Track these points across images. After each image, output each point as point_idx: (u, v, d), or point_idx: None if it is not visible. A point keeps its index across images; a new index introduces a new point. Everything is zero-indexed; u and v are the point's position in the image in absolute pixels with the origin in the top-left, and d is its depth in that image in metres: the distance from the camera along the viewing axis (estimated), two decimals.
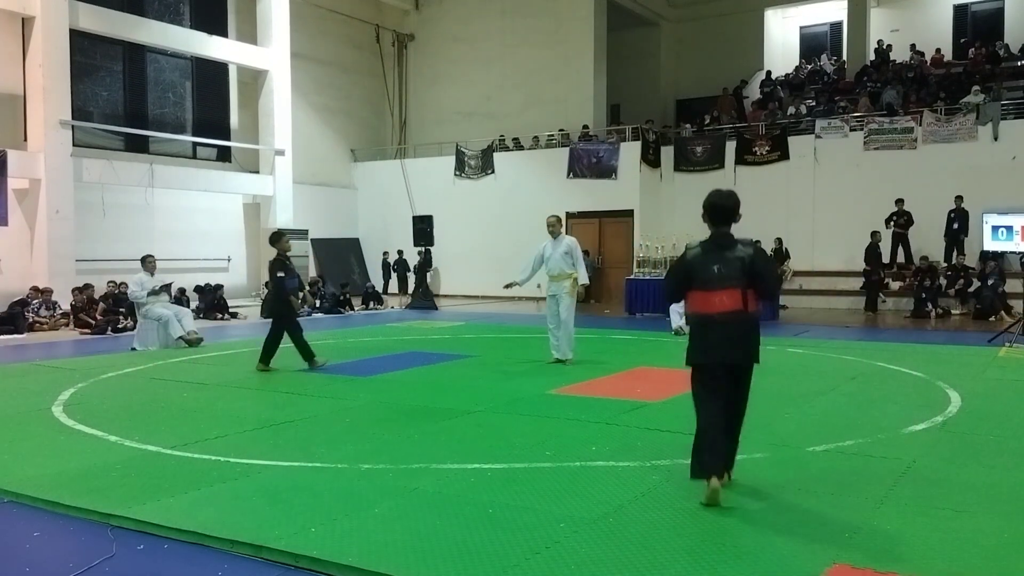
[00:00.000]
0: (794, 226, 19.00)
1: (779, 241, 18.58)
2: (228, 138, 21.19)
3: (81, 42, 17.72)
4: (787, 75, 24.09)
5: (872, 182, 18.11)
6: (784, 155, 19.32)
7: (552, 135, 22.30)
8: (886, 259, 17.18)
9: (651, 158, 20.57)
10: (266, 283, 18.61)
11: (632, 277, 16.97)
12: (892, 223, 17.20)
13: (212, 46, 19.91)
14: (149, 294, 11.31)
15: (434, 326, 14.61)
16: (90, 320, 14.48)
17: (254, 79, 21.40)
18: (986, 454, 5.26)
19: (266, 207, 21.15)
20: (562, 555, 3.55)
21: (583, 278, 9.35)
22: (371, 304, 19.28)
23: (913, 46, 22.25)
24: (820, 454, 5.26)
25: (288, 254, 9.39)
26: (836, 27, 25.46)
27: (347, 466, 5.02)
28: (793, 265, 18.70)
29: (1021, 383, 8.02)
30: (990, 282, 15.10)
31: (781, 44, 26.15)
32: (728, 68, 23.97)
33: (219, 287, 17.37)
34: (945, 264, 16.75)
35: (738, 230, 4.59)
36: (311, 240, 21.81)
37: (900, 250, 17.58)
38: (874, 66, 22.13)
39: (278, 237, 9.46)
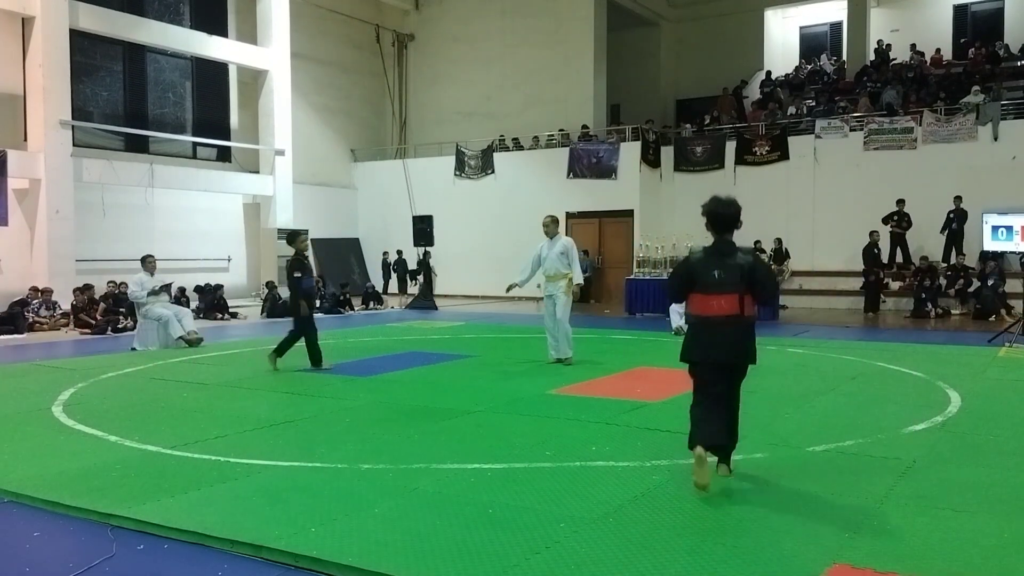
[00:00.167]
0: (794, 226, 19.00)
1: (779, 241, 18.59)
2: (228, 138, 21.19)
3: (81, 42, 17.71)
4: (787, 75, 24.08)
5: (872, 182, 18.11)
6: (784, 155, 19.32)
7: (552, 135, 22.30)
8: (885, 259, 17.16)
9: (651, 158, 20.57)
10: (267, 283, 18.70)
11: (632, 277, 16.97)
12: (892, 222, 17.19)
13: (212, 46, 19.91)
14: (149, 294, 11.31)
15: (434, 326, 14.62)
16: (90, 320, 14.49)
17: (254, 79, 21.41)
18: (986, 454, 5.26)
19: (266, 207, 21.16)
20: (562, 555, 3.55)
21: (577, 277, 9.35)
22: (371, 304, 19.28)
23: (913, 46, 22.25)
24: (820, 454, 5.26)
25: (306, 254, 9.41)
26: (836, 27, 25.45)
27: (347, 466, 5.02)
28: (793, 265, 18.70)
29: (1021, 383, 8.02)
30: (990, 282, 15.10)
31: (781, 44, 26.14)
32: (728, 68, 23.96)
33: (219, 287, 17.38)
34: (945, 264, 16.75)
35: (740, 231, 4.70)
36: (311, 240, 21.77)
37: (898, 251, 17.57)
38: (874, 66, 22.13)
39: (295, 236, 9.47)
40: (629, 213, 20.28)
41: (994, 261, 15.53)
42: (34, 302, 14.90)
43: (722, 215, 4.58)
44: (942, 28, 23.79)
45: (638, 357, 10.16)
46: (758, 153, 19.66)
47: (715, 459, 4.65)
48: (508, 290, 9.46)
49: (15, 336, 13.55)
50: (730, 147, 20.01)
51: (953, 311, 15.81)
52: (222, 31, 20.69)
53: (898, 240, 17.46)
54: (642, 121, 21.45)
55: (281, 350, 9.16)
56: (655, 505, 4.24)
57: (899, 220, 17.24)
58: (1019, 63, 20.47)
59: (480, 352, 10.62)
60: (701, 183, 20.22)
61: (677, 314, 12.29)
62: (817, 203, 18.95)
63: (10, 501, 4.50)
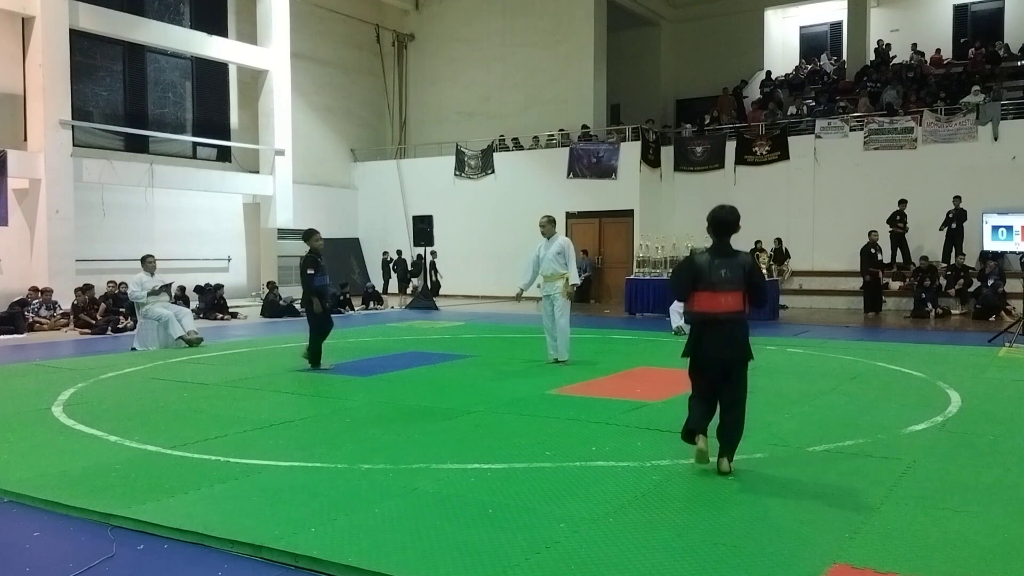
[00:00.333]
0: (794, 226, 19.00)
1: (779, 241, 18.60)
2: (228, 138, 21.19)
3: (81, 42, 17.72)
4: (787, 75, 24.09)
5: (872, 182, 18.11)
6: (784, 155, 19.32)
7: (552, 135, 22.30)
8: (885, 260, 17.15)
9: (651, 158, 20.57)
10: (268, 283, 18.70)
11: (632, 277, 16.96)
12: (897, 221, 17.16)
13: (212, 46, 19.92)
14: (149, 294, 11.32)
15: (434, 326, 14.62)
16: (91, 320, 14.49)
17: (254, 79, 21.41)
18: (986, 454, 5.26)
19: (266, 207, 21.16)
20: (562, 555, 3.55)
21: (573, 277, 9.35)
22: (371, 304, 19.28)
23: (914, 46, 22.26)
24: (820, 454, 5.26)
25: (320, 252, 9.50)
26: (836, 27, 25.46)
27: (347, 466, 5.02)
28: (793, 265, 18.71)
29: (1021, 383, 8.01)
30: (990, 282, 15.10)
31: (781, 44, 26.15)
32: (728, 68, 23.97)
33: (219, 287, 17.37)
34: (945, 264, 16.75)
35: (740, 231, 4.89)
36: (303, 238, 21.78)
37: (898, 252, 17.56)
38: (874, 66, 22.14)
39: (309, 235, 9.57)
40: (629, 213, 20.28)
41: (994, 261, 15.54)
42: (34, 302, 14.90)
43: (725, 220, 4.83)
44: (942, 28, 23.80)
45: (638, 357, 10.16)
46: (758, 153, 19.66)
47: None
48: (518, 298, 9.46)
49: (15, 336, 13.55)
50: (730, 147, 20.02)
51: (953, 311, 15.81)
52: (222, 31, 20.69)
53: (898, 240, 17.46)
54: (642, 121, 21.46)
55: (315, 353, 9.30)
56: (655, 505, 4.24)
57: (903, 220, 17.22)
58: (1019, 63, 20.47)
59: (480, 352, 10.62)
60: (701, 183, 20.25)
61: (677, 314, 12.29)
62: (817, 203, 18.95)
63: (10, 501, 4.50)
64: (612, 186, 20.49)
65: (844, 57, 23.73)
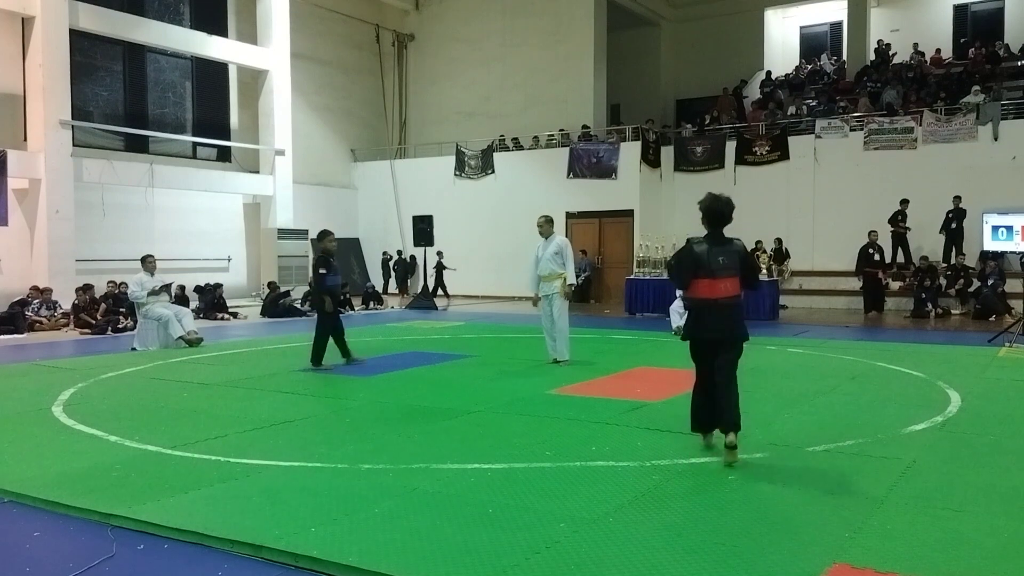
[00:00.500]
0: (794, 226, 19.00)
1: (779, 241, 18.59)
2: (228, 138, 21.20)
3: (81, 42, 17.72)
4: (787, 75, 24.09)
5: (872, 182, 18.11)
6: (784, 155, 19.32)
7: (552, 135, 22.30)
8: (887, 260, 17.14)
9: (651, 158, 20.58)
10: (268, 283, 18.71)
11: (632, 277, 16.97)
12: (899, 221, 17.14)
13: (212, 46, 19.91)
14: (149, 294, 11.32)
15: (434, 326, 14.62)
16: (91, 320, 14.49)
17: (254, 79, 21.41)
18: (986, 454, 5.26)
19: (266, 207, 21.16)
20: (562, 555, 3.55)
21: (571, 277, 9.34)
22: (371, 304, 19.28)
23: (916, 45, 22.26)
24: (820, 454, 5.26)
25: (333, 252, 9.61)
26: (836, 27, 25.47)
27: (347, 466, 5.02)
28: (793, 265, 18.71)
29: (1021, 383, 8.01)
30: (990, 282, 15.10)
31: (781, 44, 26.15)
32: (728, 68, 23.97)
33: (218, 286, 17.33)
34: (945, 264, 16.75)
35: (739, 231, 4.96)
36: (311, 240, 21.78)
37: (899, 251, 17.56)
38: (874, 66, 22.14)
39: (323, 236, 9.69)
40: (629, 213, 20.28)
41: (994, 261, 15.53)
42: (34, 302, 14.90)
43: (719, 211, 5.13)
44: (942, 28, 23.80)
45: (638, 357, 10.16)
46: (758, 153, 19.67)
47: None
48: (536, 303, 9.45)
49: (15, 336, 13.56)
50: (730, 147, 20.02)
51: (953, 311, 15.81)
52: (222, 31, 20.69)
53: (900, 240, 17.46)
54: (642, 121, 21.46)
55: (345, 351, 9.45)
56: (655, 505, 4.24)
57: (904, 220, 17.21)
58: (1019, 63, 20.47)
59: (480, 352, 10.62)
60: (701, 183, 20.18)
61: (677, 314, 12.29)
62: (817, 203, 18.95)
63: (10, 501, 4.50)
64: (612, 186, 20.50)
65: (844, 57, 23.73)
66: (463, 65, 25.04)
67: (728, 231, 5.26)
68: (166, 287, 11.87)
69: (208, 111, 20.92)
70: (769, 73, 23.92)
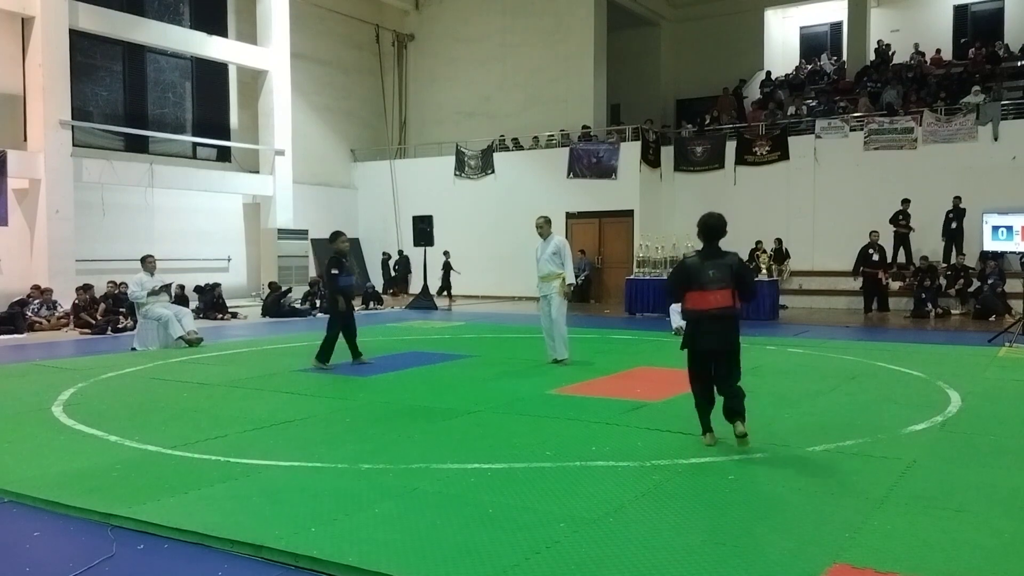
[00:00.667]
0: (794, 226, 18.99)
1: (779, 241, 18.57)
2: (228, 138, 21.19)
3: (81, 42, 17.72)
4: (787, 75, 24.08)
5: (872, 182, 18.10)
6: (784, 155, 19.31)
7: (552, 135, 22.30)
8: (887, 260, 17.13)
9: (651, 158, 20.57)
10: (269, 283, 18.70)
11: (632, 277, 16.95)
12: (899, 220, 17.14)
13: (212, 46, 19.91)
14: (149, 294, 11.32)
15: (434, 326, 14.62)
16: (91, 320, 14.49)
17: (254, 79, 21.40)
18: (986, 454, 5.26)
19: (266, 207, 21.16)
20: (562, 555, 3.55)
21: (570, 277, 9.35)
22: (371, 304, 19.27)
23: (916, 46, 22.25)
24: (820, 454, 5.26)
25: (345, 253, 9.69)
26: (836, 27, 25.46)
27: (347, 466, 5.02)
28: (793, 265, 18.69)
29: (1021, 383, 8.01)
30: (990, 282, 15.10)
31: (781, 44, 26.15)
32: (728, 68, 23.97)
33: (216, 285, 17.28)
34: (945, 264, 16.75)
35: (739, 231, 4.94)
36: (311, 240, 21.80)
37: (901, 251, 17.55)
38: (874, 66, 22.14)
39: (335, 237, 9.77)
40: (629, 213, 20.27)
41: (994, 261, 15.52)
42: (34, 302, 14.89)
43: (714, 226, 5.41)
44: (942, 28, 23.80)
45: (638, 357, 10.16)
46: (758, 153, 19.66)
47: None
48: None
49: (15, 336, 13.55)
50: (730, 147, 20.01)
51: (953, 311, 15.80)
52: (222, 31, 20.69)
53: (901, 240, 17.45)
54: (642, 121, 21.45)
55: (355, 352, 9.52)
56: (655, 505, 4.24)
57: (905, 220, 17.20)
58: (1019, 63, 20.47)
59: (480, 352, 10.62)
60: (701, 183, 20.25)
61: (677, 314, 12.27)
62: (817, 203, 18.94)
63: (10, 501, 4.50)
64: (612, 186, 20.49)
65: (844, 57, 23.73)
66: (463, 65, 25.04)
67: (729, 231, 5.44)
68: (166, 287, 11.87)
69: (208, 111, 20.92)
70: (769, 73, 23.92)
